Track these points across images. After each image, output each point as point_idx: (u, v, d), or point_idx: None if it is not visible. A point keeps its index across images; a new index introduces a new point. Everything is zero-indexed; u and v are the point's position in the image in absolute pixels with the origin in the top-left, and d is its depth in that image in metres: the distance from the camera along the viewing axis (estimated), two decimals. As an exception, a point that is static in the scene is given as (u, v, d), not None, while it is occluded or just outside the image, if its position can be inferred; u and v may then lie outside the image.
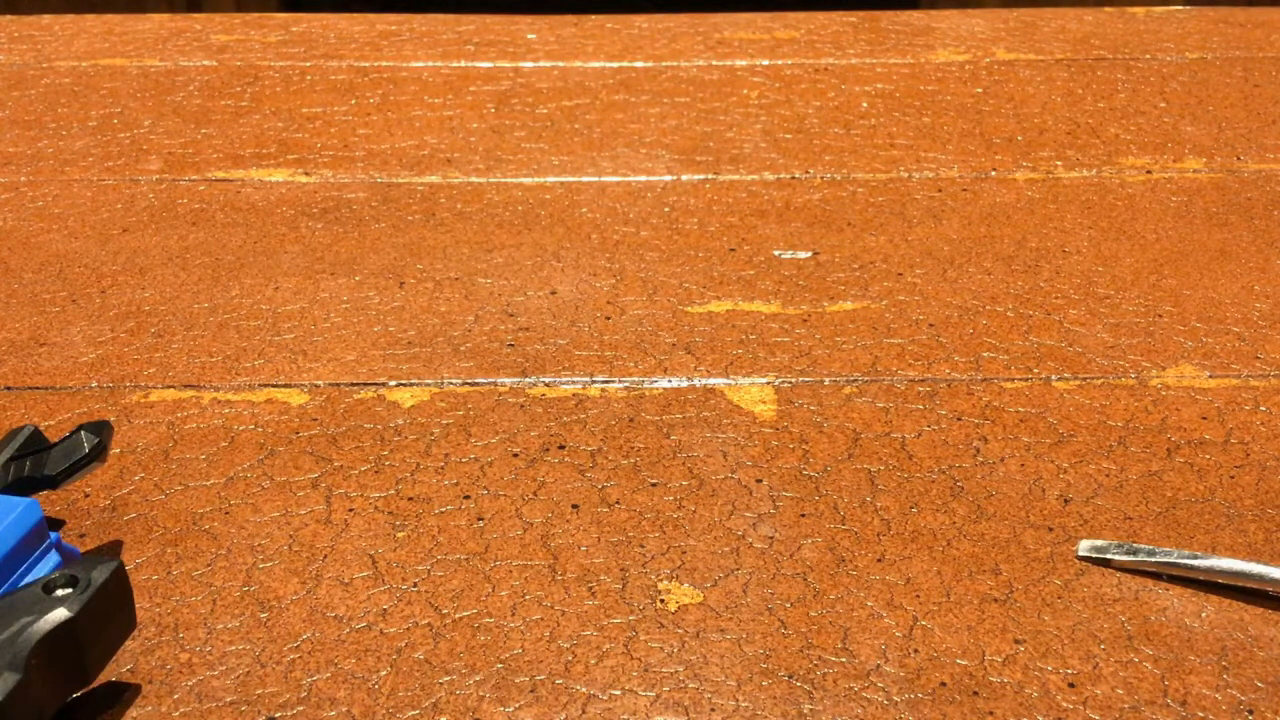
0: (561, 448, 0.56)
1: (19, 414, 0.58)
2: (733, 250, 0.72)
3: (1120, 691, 0.44)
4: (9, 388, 0.60)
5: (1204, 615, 0.47)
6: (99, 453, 0.48)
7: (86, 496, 0.53)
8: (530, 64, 0.98)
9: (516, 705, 0.43)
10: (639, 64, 0.98)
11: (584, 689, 0.44)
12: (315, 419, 0.58)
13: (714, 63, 0.98)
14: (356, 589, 0.48)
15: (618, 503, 0.52)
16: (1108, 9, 1.10)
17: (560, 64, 0.98)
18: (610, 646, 0.46)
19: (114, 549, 0.50)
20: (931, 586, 0.48)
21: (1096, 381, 0.60)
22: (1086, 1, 1.18)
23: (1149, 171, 0.80)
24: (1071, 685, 0.44)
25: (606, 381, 0.60)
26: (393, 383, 0.60)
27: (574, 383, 0.60)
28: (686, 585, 0.48)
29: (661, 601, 0.47)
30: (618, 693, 0.44)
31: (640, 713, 0.43)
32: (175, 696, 0.43)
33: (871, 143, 0.85)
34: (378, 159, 0.83)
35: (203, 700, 0.43)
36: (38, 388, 0.60)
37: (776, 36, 1.03)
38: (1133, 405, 0.58)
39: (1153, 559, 0.48)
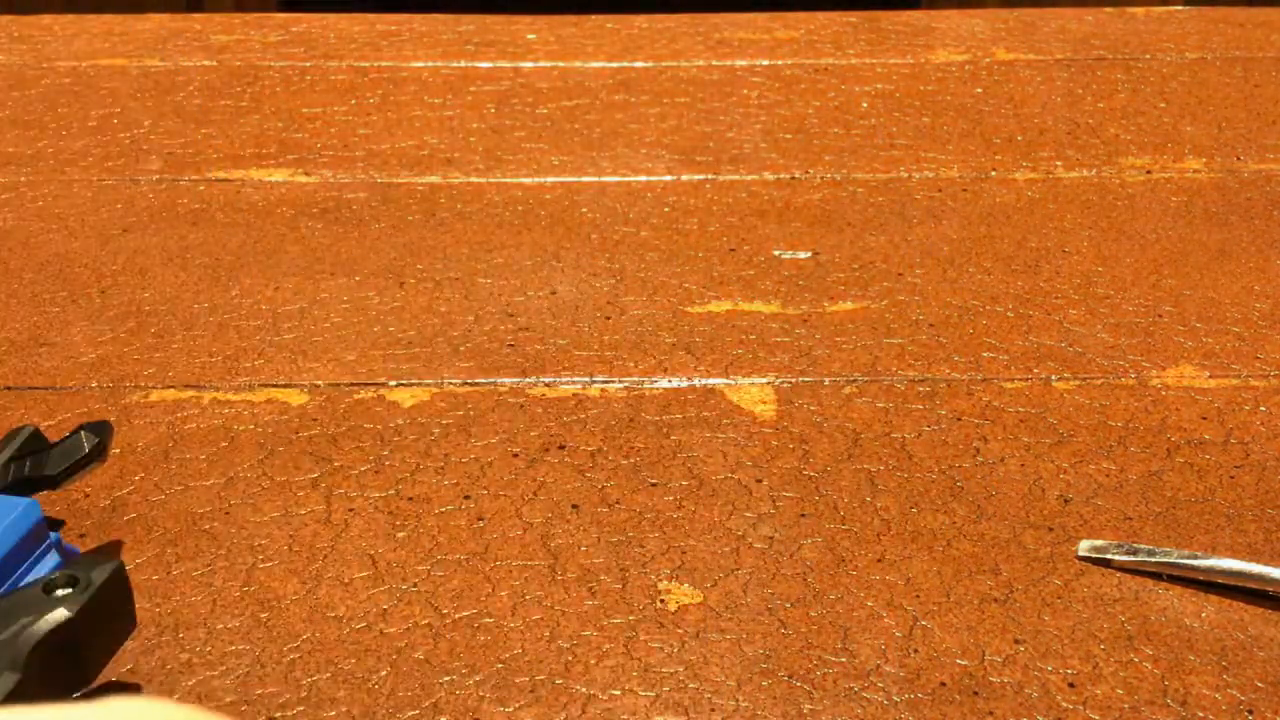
0: (561, 448, 0.56)
1: (19, 414, 0.58)
2: (733, 250, 0.72)
3: (1120, 691, 0.44)
4: (9, 388, 0.60)
5: (1204, 615, 0.47)
6: (99, 453, 0.48)
7: (86, 496, 0.53)
8: (530, 64, 0.98)
9: (516, 705, 0.43)
10: (639, 64, 0.98)
11: (584, 689, 0.44)
12: (315, 419, 0.58)
13: (714, 63, 0.98)
14: (356, 589, 0.48)
15: (618, 503, 0.52)
16: (1108, 9, 1.09)
17: (560, 64, 0.98)
18: (610, 646, 0.46)
19: (114, 549, 0.50)
20: (931, 586, 0.48)
21: (1096, 381, 0.60)
22: (1086, 1, 1.18)
23: (1149, 171, 0.80)
24: (1071, 685, 0.44)
25: (606, 381, 0.60)
26: (393, 383, 0.60)
27: (574, 383, 0.60)
28: (686, 585, 0.48)
29: (661, 601, 0.47)
30: (618, 693, 0.44)
31: (640, 713, 0.43)
32: (175, 696, 0.43)
33: (871, 143, 0.85)
34: (378, 159, 0.83)
35: (203, 700, 0.43)
36: (38, 388, 0.60)
37: (776, 36, 1.03)
38: (1133, 405, 0.58)
39: (1153, 559, 0.48)
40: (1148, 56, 0.99)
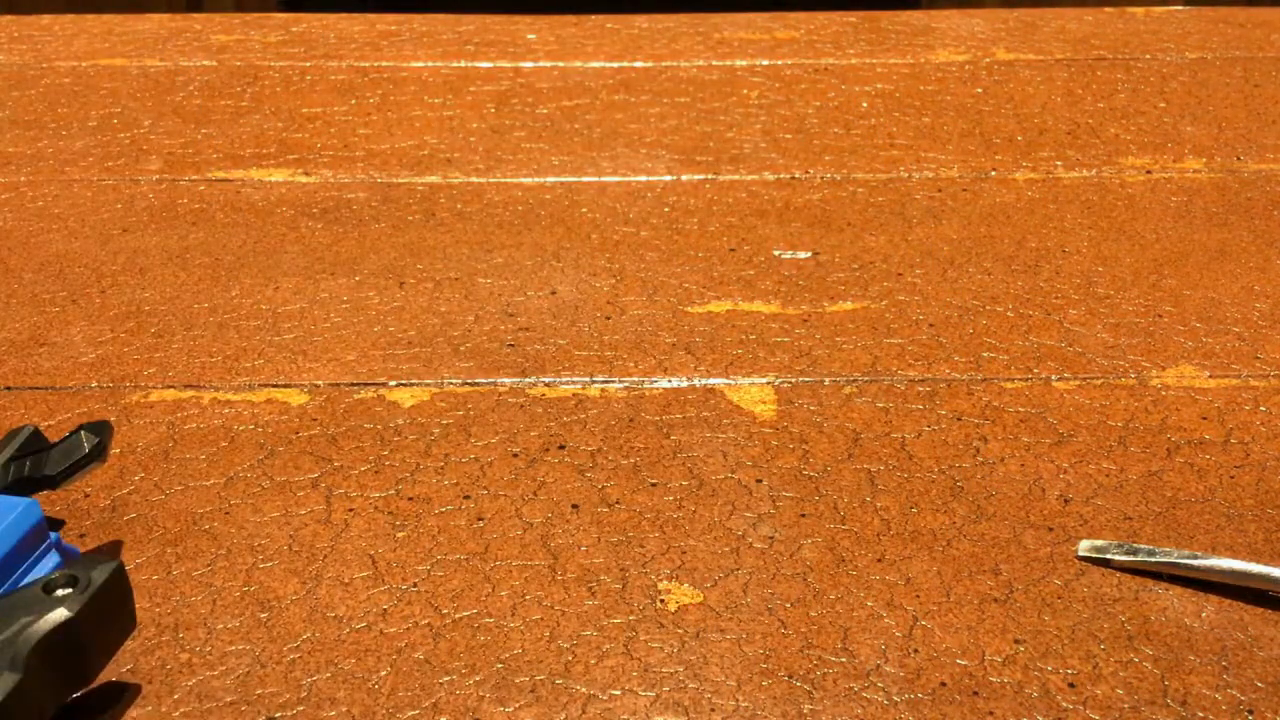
0: (561, 448, 0.56)
1: (19, 414, 0.58)
2: (733, 250, 0.72)
3: (1120, 691, 0.44)
4: (9, 388, 0.60)
5: (1204, 615, 0.47)
6: (99, 453, 0.48)
7: (86, 496, 0.53)
8: (530, 64, 0.98)
9: (516, 705, 0.43)
10: (639, 64, 0.98)
11: (584, 689, 0.44)
12: (315, 419, 0.58)
13: (714, 63, 0.98)
14: (356, 589, 0.48)
15: (618, 503, 0.52)
16: (1108, 9, 1.10)
17: (560, 64, 0.98)
18: (610, 646, 0.46)
19: (114, 549, 0.50)
20: (931, 586, 0.48)
21: (1096, 381, 0.60)
22: (1086, 1, 1.18)
23: (1149, 171, 0.80)
24: (1071, 685, 0.44)
25: (606, 381, 0.60)
26: (393, 383, 0.60)
27: (574, 383, 0.60)
28: (686, 585, 0.48)
29: (661, 601, 0.47)
30: (618, 693, 0.44)
31: (640, 713, 0.43)
32: (175, 696, 0.43)
33: (871, 143, 0.85)
34: (378, 159, 0.83)
35: (203, 700, 0.43)
36: (38, 388, 0.60)
37: (776, 36, 1.03)
38: (1133, 405, 0.58)
39: (1153, 559, 0.48)
40: (1148, 56, 0.99)
